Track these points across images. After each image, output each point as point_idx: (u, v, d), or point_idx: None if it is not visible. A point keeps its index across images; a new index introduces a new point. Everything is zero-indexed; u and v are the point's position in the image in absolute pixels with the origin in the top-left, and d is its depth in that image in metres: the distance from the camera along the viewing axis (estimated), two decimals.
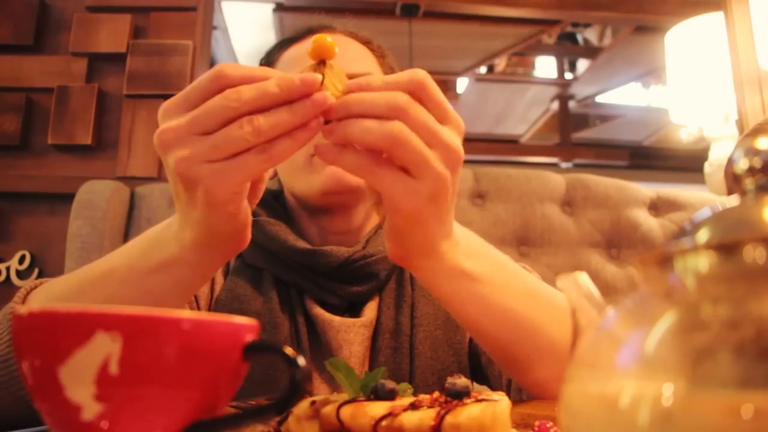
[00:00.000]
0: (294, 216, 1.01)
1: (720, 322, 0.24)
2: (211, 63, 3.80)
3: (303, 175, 0.93)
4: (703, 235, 0.28)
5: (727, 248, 0.26)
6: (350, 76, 0.92)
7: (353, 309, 0.96)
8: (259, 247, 0.95)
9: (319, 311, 0.92)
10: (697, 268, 0.26)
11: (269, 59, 1.02)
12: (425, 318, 0.95)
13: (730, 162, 0.30)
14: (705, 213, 0.29)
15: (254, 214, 0.98)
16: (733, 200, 0.30)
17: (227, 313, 0.92)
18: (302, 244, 0.93)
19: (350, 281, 0.94)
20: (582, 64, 5.68)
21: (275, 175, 1.05)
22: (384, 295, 0.96)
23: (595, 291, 0.32)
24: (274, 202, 1.02)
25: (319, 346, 0.92)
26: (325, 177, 0.90)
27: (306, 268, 0.93)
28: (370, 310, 0.95)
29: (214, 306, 0.94)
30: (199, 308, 0.94)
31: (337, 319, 0.92)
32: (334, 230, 0.98)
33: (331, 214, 0.97)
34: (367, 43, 1.03)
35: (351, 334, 0.91)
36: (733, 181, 0.30)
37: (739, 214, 0.29)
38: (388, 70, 1.03)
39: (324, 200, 0.93)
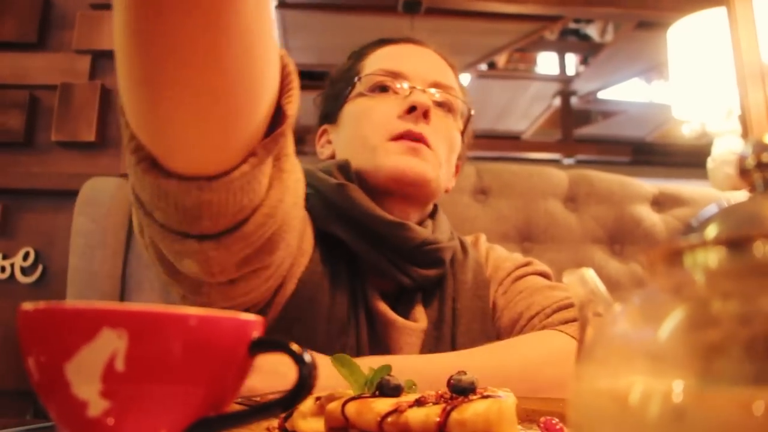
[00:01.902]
0: None
1: (730, 318, 0.24)
2: None
3: (374, 156, 0.94)
4: (712, 231, 0.28)
5: (736, 243, 0.25)
6: (438, 83, 1.00)
7: (399, 301, 0.95)
8: (337, 216, 0.92)
9: (384, 309, 0.91)
10: (706, 264, 0.26)
11: (360, 52, 1.07)
12: (465, 310, 0.96)
13: (740, 158, 0.30)
14: (712, 209, 0.29)
15: (338, 179, 0.93)
16: (740, 196, 0.30)
17: (305, 299, 0.86)
18: (389, 215, 0.91)
19: (421, 264, 0.94)
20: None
21: (331, 157, 1.04)
22: (429, 289, 0.97)
23: (601, 287, 0.32)
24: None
25: (378, 344, 0.90)
26: (397, 163, 0.92)
27: (385, 244, 0.91)
28: (421, 311, 0.95)
29: (298, 283, 0.88)
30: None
31: (400, 321, 0.90)
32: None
33: (393, 201, 0.95)
34: (452, 67, 1.08)
35: (413, 337, 0.90)
36: (742, 177, 0.30)
37: (749, 209, 0.29)
38: (464, 96, 1.08)
39: (390, 186, 0.93)
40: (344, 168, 0.96)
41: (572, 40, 5.54)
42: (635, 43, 4.77)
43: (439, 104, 1.00)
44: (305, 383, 0.35)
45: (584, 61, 5.75)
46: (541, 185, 1.62)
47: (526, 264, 1.06)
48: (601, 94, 5.96)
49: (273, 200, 0.66)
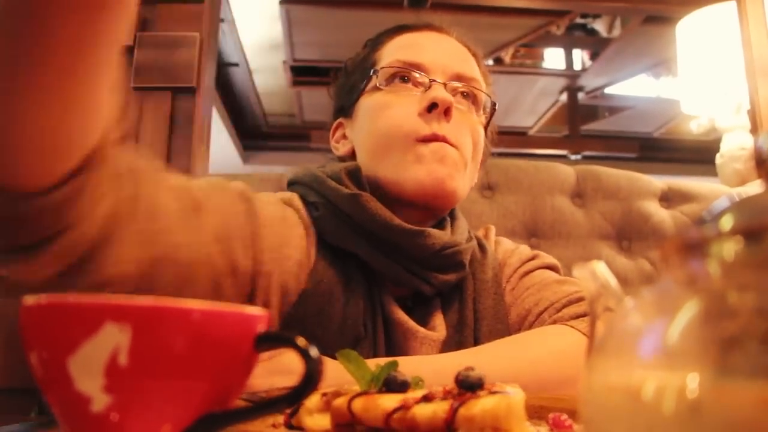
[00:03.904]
0: None
1: (747, 310, 0.23)
2: (219, 55, 3.80)
3: (401, 162, 0.89)
4: (727, 222, 0.27)
5: (753, 233, 0.25)
6: (460, 75, 0.95)
7: (417, 306, 0.92)
8: (349, 227, 0.88)
9: (403, 318, 0.87)
10: (722, 255, 0.25)
11: (377, 40, 1.02)
12: (487, 311, 0.93)
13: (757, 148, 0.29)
14: (725, 201, 0.29)
15: (350, 188, 0.89)
16: (751, 190, 0.29)
17: (312, 311, 0.83)
18: (407, 224, 0.87)
19: (441, 269, 0.90)
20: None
21: (349, 153, 0.99)
22: (448, 292, 0.93)
23: (612, 280, 0.32)
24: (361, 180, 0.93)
25: (396, 355, 0.84)
26: (424, 173, 0.87)
27: (402, 253, 0.87)
28: (439, 317, 0.91)
29: (301, 296, 0.84)
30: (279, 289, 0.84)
31: (422, 331, 0.87)
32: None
33: (413, 209, 0.91)
34: (476, 56, 1.03)
35: (433, 348, 0.87)
36: (758, 167, 0.30)
37: (765, 200, 0.28)
38: (489, 89, 1.02)
39: (413, 197, 0.89)
40: (354, 174, 0.91)
41: (579, 35, 5.52)
42: (643, 38, 4.75)
43: (462, 96, 0.96)
44: (311, 379, 0.34)
45: (591, 57, 5.72)
46: (548, 181, 1.61)
47: (533, 258, 1.03)
48: (609, 90, 5.93)
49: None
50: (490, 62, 5.48)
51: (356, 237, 0.88)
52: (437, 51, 0.97)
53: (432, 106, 0.89)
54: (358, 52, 1.05)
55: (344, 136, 1.02)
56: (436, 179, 0.88)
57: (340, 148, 1.02)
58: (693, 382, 0.22)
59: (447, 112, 0.90)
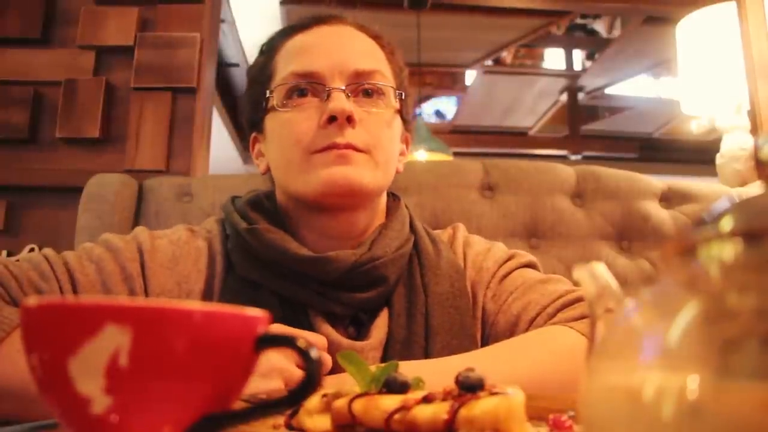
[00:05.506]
0: (290, 220, 0.94)
1: (747, 312, 0.23)
2: (219, 55, 3.80)
3: (300, 173, 0.88)
4: (727, 223, 0.27)
5: (753, 235, 0.25)
6: (359, 72, 0.91)
7: (359, 319, 0.90)
8: (254, 258, 0.89)
9: (328, 331, 0.86)
10: (722, 257, 0.26)
11: (271, 45, 0.98)
12: (441, 327, 0.89)
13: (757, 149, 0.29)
14: (725, 202, 0.29)
15: (250, 220, 0.91)
16: (751, 191, 0.29)
17: None
18: (305, 251, 0.87)
19: (357, 288, 0.88)
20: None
21: (267, 170, 0.98)
22: (394, 302, 0.90)
23: (612, 281, 0.31)
24: (270, 205, 0.96)
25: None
26: (325, 176, 0.85)
27: (309, 278, 0.87)
28: (379, 328, 0.89)
29: None
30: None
31: (345, 343, 0.85)
32: (335, 234, 0.92)
33: (332, 215, 0.91)
34: (376, 37, 0.98)
35: (367, 358, 0.85)
36: (758, 168, 0.30)
37: (764, 201, 0.28)
38: (397, 68, 0.98)
39: (324, 201, 0.88)
40: (258, 204, 0.94)
41: (579, 35, 5.53)
42: (643, 38, 4.76)
43: (365, 93, 0.92)
44: (312, 380, 0.34)
45: (591, 57, 5.73)
46: (549, 181, 1.61)
47: (509, 258, 0.99)
48: (609, 90, 5.94)
49: None
50: (491, 63, 5.49)
51: (261, 268, 0.88)
52: (331, 51, 0.92)
53: (332, 119, 0.86)
54: (256, 59, 1.01)
55: (261, 153, 0.99)
56: (338, 177, 0.85)
57: (260, 165, 1.00)
58: (693, 383, 0.22)
59: (350, 119, 0.86)
